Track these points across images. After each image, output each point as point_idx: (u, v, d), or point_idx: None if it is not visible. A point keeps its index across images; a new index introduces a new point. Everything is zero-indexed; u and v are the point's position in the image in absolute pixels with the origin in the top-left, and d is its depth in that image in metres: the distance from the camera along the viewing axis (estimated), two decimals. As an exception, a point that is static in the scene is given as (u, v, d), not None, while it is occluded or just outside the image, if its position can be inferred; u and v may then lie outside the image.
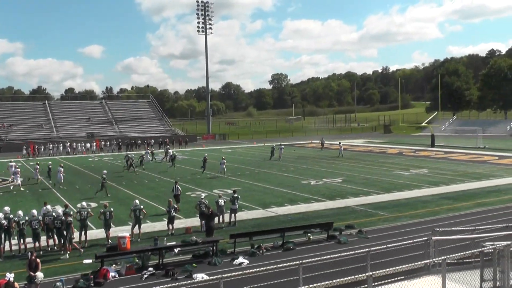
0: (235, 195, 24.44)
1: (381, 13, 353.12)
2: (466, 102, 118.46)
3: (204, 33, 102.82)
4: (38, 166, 41.55)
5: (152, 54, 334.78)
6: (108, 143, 76.29)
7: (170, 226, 22.47)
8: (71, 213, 21.27)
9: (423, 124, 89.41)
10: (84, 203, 22.37)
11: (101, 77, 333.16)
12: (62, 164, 42.98)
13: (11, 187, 38.13)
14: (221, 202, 23.94)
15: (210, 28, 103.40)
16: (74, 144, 73.03)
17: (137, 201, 22.72)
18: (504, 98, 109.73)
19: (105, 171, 35.88)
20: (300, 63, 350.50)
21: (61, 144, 72.40)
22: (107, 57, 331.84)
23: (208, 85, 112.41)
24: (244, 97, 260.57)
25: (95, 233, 22.44)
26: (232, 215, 24.25)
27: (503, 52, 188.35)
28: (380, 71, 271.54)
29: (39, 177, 40.14)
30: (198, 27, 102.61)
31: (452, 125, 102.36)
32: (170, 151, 55.65)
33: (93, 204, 28.74)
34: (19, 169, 40.89)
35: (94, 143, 74.67)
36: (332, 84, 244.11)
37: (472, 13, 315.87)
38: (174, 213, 22.55)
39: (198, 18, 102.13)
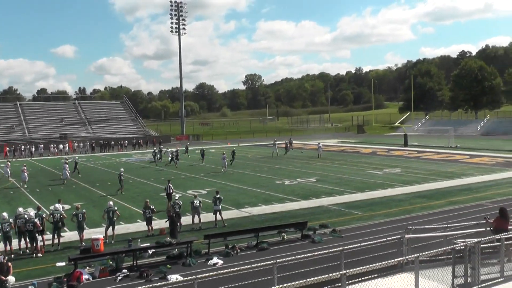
0: (218, 195, 24.27)
1: (354, 15, 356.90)
2: (438, 102, 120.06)
3: (177, 34, 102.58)
4: (67, 163, 41.93)
5: (126, 55, 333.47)
6: (82, 144, 75.54)
7: (150, 227, 22.39)
8: (44, 215, 21.01)
9: (396, 124, 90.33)
10: (57, 205, 22.11)
11: (74, 78, 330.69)
12: (67, 160, 43.94)
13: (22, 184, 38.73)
14: (196, 203, 23.79)
15: (184, 28, 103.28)
16: (51, 145, 72.08)
17: (111, 202, 22.53)
18: (475, 99, 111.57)
19: (122, 169, 36.44)
20: (274, 64, 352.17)
21: (33, 146, 71.53)
22: (80, 57, 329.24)
23: (181, 85, 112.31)
24: (218, 97, 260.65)
25: (69, 235, 22.16)
26: (218, 215, 24.02)
27: (474, 53, 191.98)
28: (353, 72, 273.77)
29: (68, 174, 40.74)
30: (171, 27, 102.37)
31: (424, 125, 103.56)
32: (170, 150, 55.64)
33: (66, 206, 28.40)
34: (25, 167, 40.64)
35: (67, 144, 73.87)
36: (305, 84, 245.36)
37: (443, 15, 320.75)
38: (150, 214, 22.37)
39: (172, 18, 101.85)
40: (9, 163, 45.02)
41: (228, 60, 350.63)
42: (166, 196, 28.25)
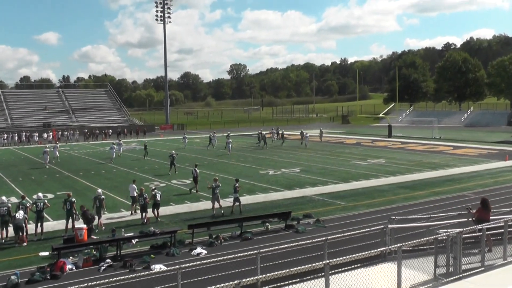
0: (237, 184, 24.45)
1: (340, 5, 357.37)
2: (422, 94, 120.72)
3: (162, 22, 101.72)
4: (115, 146, 46.52)
5: (110, 43, 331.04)
6: (66, 133, 74.83)
7: (144, 215, 22.41)
8: (28, 204, 20.80)
9: (381, 115, 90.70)
10: (40, 194, 21.95)
11: (58, 66, 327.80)
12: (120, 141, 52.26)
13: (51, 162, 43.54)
14: (217, 190, 23.95)
15: (169, 17, 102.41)
16: (35, 134, 71.37)
17: (99, 190, 22.45)
18: (459, 90, 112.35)
19: (173, 151, 39.03)
20: (259, 54, 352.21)
21: (16, 134, 70.85)
22: (64, 45, 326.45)
23: (166, 74, 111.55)
24: (202, 87, 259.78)
25: (52, 224, 22.05)
26: (236, 202, 24.30)
27: (458, 45, 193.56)
28: (338, 62, 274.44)
29: (114, 155, 45.83)
30: (156, 15, 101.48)
31: (409, 116, 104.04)
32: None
33: (50, 195, 28.24)
34: (48, 150, 44.23)
35: (51, 133, 73.20)
36: (290, 75, 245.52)
37: (428, 7, 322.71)
38: (143, 202, 22.26)
39: (157, 6, 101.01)
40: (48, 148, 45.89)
41: (213, 49, 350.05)
42: (192, 180, 30.13)
